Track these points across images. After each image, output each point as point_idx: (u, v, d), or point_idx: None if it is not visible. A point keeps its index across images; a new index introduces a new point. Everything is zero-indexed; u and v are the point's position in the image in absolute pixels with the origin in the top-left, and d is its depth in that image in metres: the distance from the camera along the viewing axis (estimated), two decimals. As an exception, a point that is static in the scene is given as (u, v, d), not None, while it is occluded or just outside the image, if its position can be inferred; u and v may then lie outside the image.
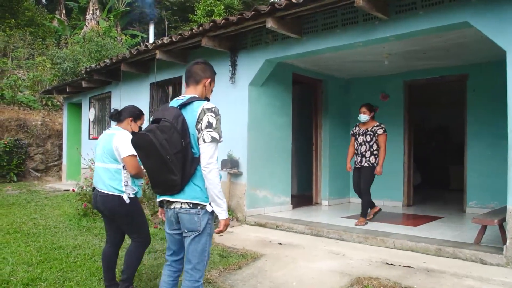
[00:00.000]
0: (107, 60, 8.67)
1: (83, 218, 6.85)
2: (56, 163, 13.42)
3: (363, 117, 6.06)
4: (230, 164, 6.63)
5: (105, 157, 3.43)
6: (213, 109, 2.46)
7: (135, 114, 3.63)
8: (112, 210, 3.39)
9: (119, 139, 3.37)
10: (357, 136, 6.18)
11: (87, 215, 6.89)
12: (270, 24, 5.40)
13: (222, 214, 2.45)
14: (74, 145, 11.77)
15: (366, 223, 5.92)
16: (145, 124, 3.51)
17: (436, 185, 11.02)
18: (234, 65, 6.85)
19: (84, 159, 9.63)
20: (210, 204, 2.47)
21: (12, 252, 4.94)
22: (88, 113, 11.32)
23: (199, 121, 2.42)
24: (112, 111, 3.65)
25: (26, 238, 5.64)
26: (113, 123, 3.75)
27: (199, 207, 2.46)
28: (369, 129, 6.06)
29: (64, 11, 23.90)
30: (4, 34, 18.64)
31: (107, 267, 3.59)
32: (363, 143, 6.07)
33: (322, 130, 8.33)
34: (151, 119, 2.67)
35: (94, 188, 3.57)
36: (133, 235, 3.50)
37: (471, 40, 5.66)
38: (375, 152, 6.00)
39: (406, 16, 4.86)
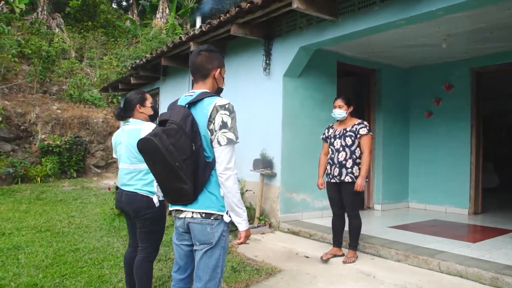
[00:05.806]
0: (148, 55, 8.48)
1: (117, 217, 6.78)
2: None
3: (339, 112, 4.49)
4: (262, 164, 6.00)
5: (133, 157, 3.07)
6: (226, 106, 2.14)
7: (138, 98, 3.25)
8: (137, 211, 3.05)
9: None
10: (332, 140, 4.60)
11: (121, 215, 6.76)
12: (296, 4, 4.70)
13: (243, 225, 2.19)
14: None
15: (357, 257, 4.51)
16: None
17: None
18: (268, 55, 6.20)
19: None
20: (227, 213, 2.19)
21: (30, 252, 4.95)
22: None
23: (211, 120, 2.12)
24: (117, 111, 3.31)
25: (53, 238, 5.64)
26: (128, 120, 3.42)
27: (212, 217, 2.17)
28: (348, 130, 4.48)
29: (136, 11, 24.92)
30: (80, 36, 19.73)
31: (129, 273, 3.29)
32: (341, 149, 4.46)
33: (376, 126, 7.35)
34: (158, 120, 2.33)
35: (117, 187, 3.25)
36: (143, 244, 3.13)
37: (552, 12, 4.52)
38: (358, 161, 4.41)
39: (456, -18, 3.89)
